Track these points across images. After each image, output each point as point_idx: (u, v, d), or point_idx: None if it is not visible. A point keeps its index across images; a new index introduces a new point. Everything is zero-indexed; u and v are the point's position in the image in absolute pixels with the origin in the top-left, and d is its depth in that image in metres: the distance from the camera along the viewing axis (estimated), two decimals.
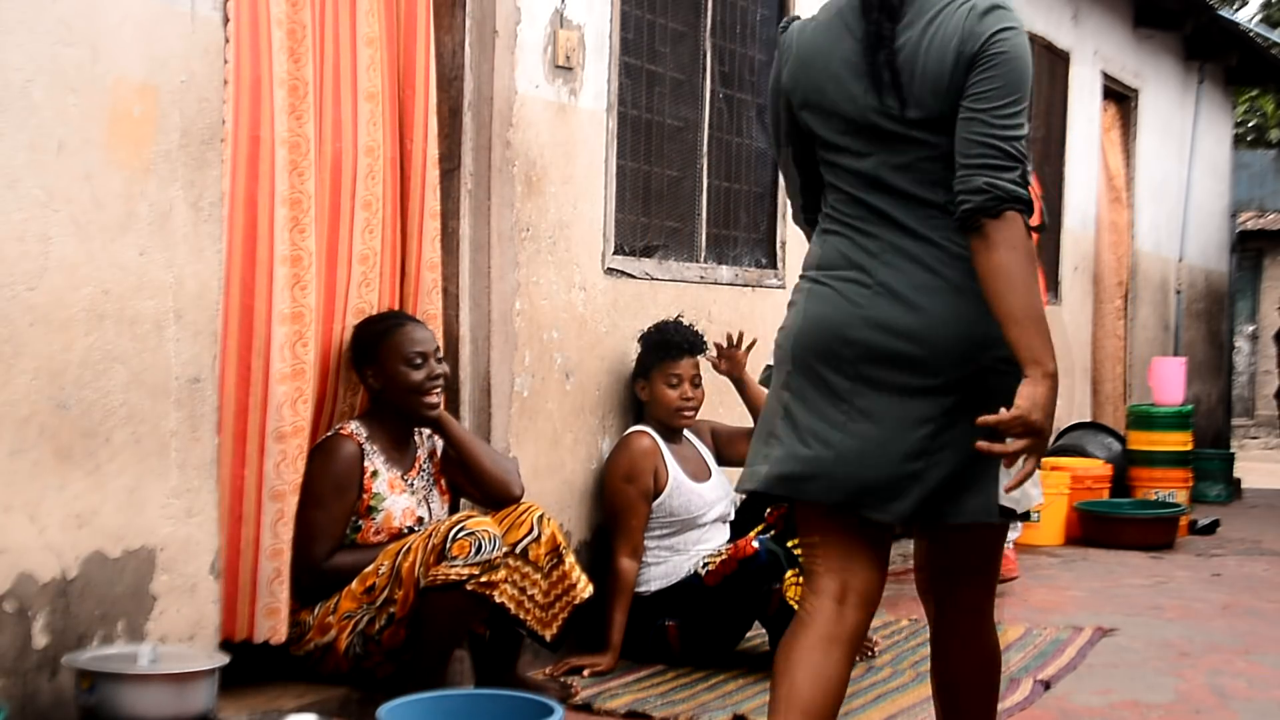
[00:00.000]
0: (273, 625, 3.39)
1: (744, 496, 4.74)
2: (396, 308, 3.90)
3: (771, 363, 2.73)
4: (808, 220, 2.74)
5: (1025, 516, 2.60)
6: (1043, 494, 2.62)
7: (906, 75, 2.44)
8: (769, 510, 4.49)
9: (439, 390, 3.72)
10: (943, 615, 2.70)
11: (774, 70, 2.66)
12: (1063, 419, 8.37)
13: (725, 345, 4.74)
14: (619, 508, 4.43)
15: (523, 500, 3.80)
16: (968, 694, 2.72)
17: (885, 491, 2.47)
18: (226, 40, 3.25)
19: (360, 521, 3.62)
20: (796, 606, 4.15)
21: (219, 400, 3.28)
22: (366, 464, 3.63)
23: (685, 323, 4.65)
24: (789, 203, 2.85)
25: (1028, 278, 2.36)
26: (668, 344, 4.54)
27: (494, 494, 3.78)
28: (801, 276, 2.63)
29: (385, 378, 3.67)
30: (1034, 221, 2.43)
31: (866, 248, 2.51)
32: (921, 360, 2.45)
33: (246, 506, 3.37)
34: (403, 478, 3.70)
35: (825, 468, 2.49)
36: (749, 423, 4.72)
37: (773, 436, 2.56)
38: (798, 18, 2.66)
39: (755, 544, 4.22)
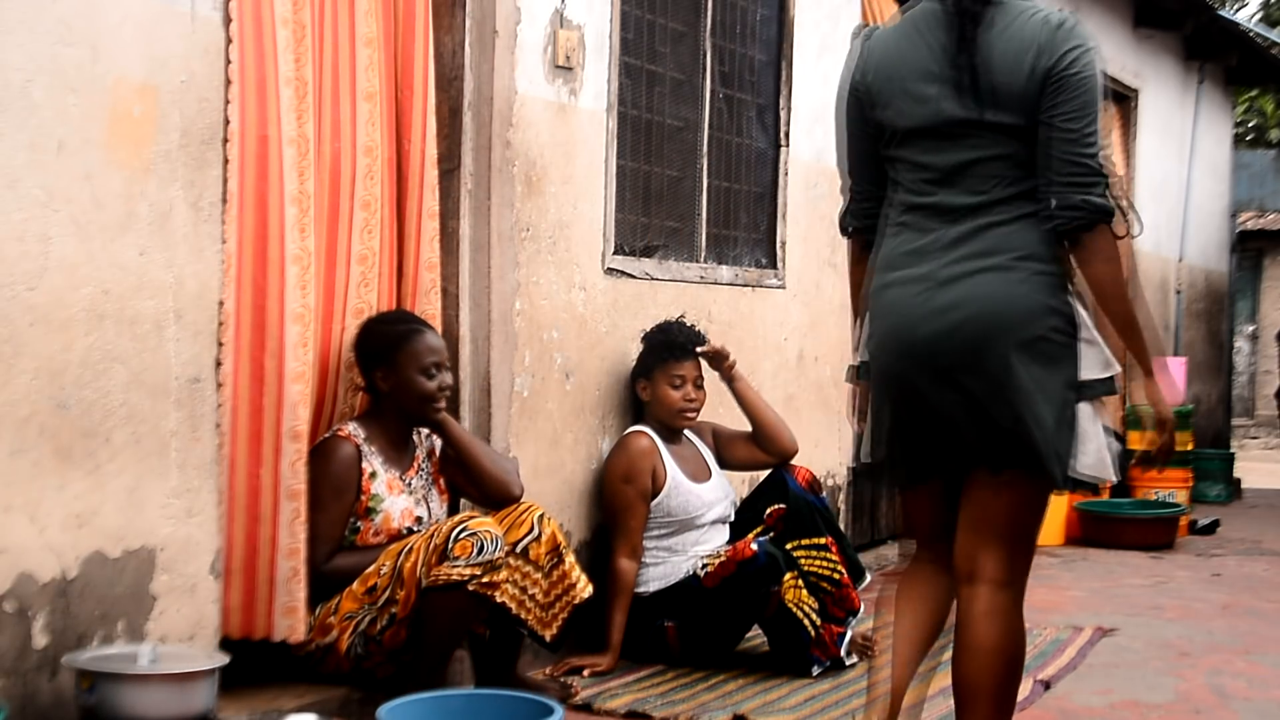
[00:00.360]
0: (291, 624, 3.39)
1: (744, 498, 4.78)
2: (395, 308, 3.90)
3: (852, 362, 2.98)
4: (855, 224, 2.93)
5: (1093, 488, 2.83)
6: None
7: (983, 79, 2.65)
8: (768, 512, 4.49)
9: (446, 397, 3.73)
10: (969, 586, 2.79)
11: (851, 76, 2.84)
12: None
13: (713, 353, 4.67)
14: (617, 508, 4.42)
15: (523, 500, 3.80)
16: (988, 676, 2.75)
17: (985, 454, 2.72)
18: (230, 40, 3.24)
19: (359, 523, 3.62)
20: (795, 609, 4.21)
21: (233, 401, 3.28)
22: (364, 465, 3.63)
23: (688, 323, 4.64)
24: (836, 201, 3.06)
25: (1129, 286, 2.64)
26: (672, 344, 4.53)
27: (493, 494, 3.78)
28: (874, 284, 2.83)
29: (397, 382, 3.67)
30: (1134, 232, 2.68)
31: (924, 246, 2.73)
32: (974, 330, 2.65)
33: (263, 506, 3.37)
34: (401, 478, 3.70)
35: (935, 454, 2.77)
36: (749, 425, 4.71)
37: (889, 441, 2.83)
38: (877, 26, 2.86)
39: (754, 546, 4.21)
